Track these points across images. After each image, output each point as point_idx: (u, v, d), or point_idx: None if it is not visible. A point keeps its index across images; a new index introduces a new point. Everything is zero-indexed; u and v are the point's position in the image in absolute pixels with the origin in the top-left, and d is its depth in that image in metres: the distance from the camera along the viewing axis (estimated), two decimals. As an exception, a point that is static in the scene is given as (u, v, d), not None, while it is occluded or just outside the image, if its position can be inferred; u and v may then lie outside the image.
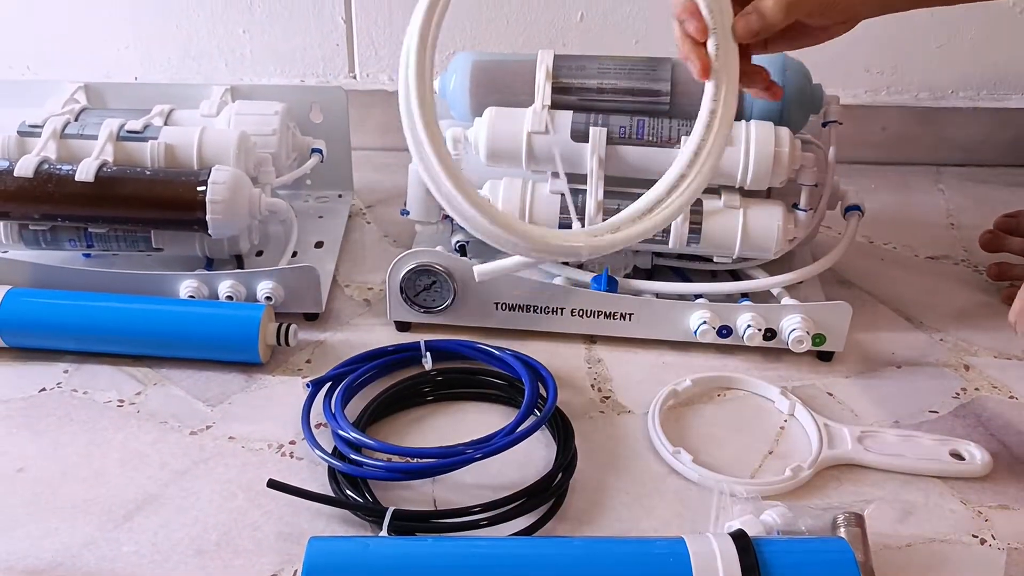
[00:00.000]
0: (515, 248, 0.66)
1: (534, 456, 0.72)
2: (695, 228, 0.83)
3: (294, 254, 0.93)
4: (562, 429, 0.73)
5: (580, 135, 0.82)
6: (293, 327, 0.81)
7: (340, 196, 1.05)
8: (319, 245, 0.96)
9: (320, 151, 0.97)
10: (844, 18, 0.68)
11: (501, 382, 0.79)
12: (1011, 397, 0.81)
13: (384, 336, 0.85)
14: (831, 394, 0.81)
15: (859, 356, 0.85)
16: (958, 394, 0.81)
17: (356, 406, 0.76)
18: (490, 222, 0.64)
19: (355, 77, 1.16)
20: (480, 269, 0.73)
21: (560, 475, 0.69)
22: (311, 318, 0.87)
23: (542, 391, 0.76)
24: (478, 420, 0.76)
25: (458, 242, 0.92)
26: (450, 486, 0.70)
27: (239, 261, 0.90)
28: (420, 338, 0.82)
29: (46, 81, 0.99)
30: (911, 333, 0.89)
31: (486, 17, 1.11)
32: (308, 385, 0.77)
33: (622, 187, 0.83)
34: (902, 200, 1.12)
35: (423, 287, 0.83)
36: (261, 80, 1.15)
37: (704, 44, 0.65)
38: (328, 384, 0.77)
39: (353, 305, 0.90)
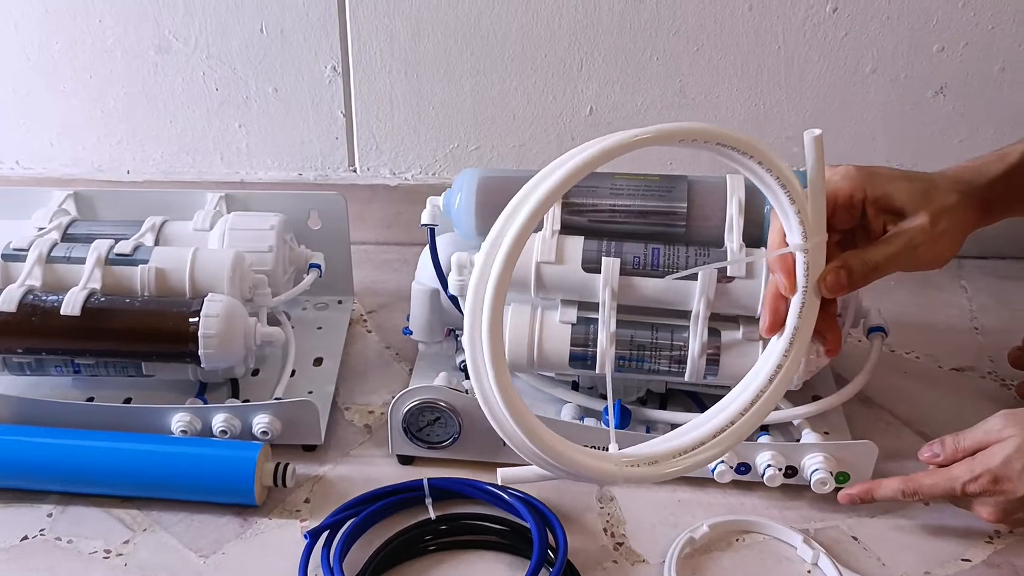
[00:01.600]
0: (544, 464, 0.62)
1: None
2: (713, 360, 0.79)
3: (292, 373, 0.89)
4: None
5: (592, 265, 0.78)
6: (291, 467, 0.77)
7: (340, 302, 1.01)
8: (318, 362, 0.92)
9: (319, 266, 0.93)
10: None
11: (506, 528, 0.74)
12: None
13: (386, 471, 0.81)
14: (856, 538, 0.76)
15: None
16: (991, 538, 0.77)
17: (357, 556, 0.72)
18: (529, 440, 0.61)
19: (355, 170, 1.12)
20: (504, 474, 0.68)
21: (573, 644, 0.66)
22: (309, 448, 0.83)
23: (551, 539, 0.72)
24: (485, 574, 0.72)
25: (463, 363, 0.88)
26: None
27: (234, 385, 0.87)
28: (424, 473, 0.78)
29: (33, 190, 0.95)
30: (937, 461, 0.85)
31: (491, 114, 1.07)
32: (306, 536, 0.73)
33: (636, 316, 0.79)
34: (923, 299, 1.08)
35: (426, 423, 0.79)
36: (258, 173, 1.12)
37: (785, 299, 0.64)
38: (327, 531, 0.73)
39: (354, 432, 0.86)
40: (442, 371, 0.85)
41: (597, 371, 0.79)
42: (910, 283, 1.10)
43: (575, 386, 0.86)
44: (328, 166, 1.12)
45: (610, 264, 0.77)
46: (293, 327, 0.92)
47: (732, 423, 0.65)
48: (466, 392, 0.79)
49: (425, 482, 0.77)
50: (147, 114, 1.08)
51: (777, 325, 0.65)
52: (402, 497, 0.77)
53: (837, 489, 0.79)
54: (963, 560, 0.75)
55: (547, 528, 0.73)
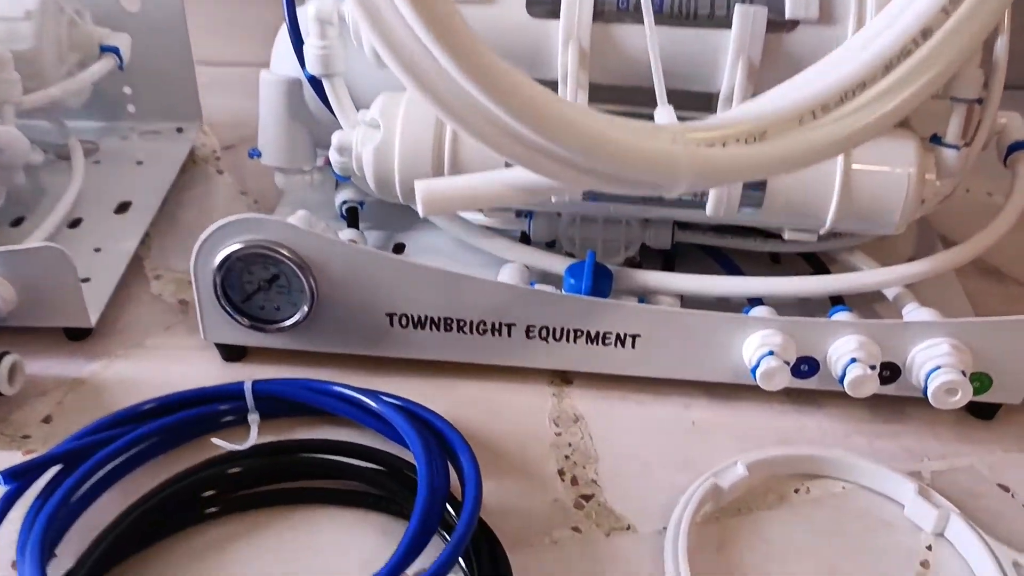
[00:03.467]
0: (519, 158, 0.34)
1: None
2: (755, 183, 0.45)
3: (75, 224, 0.55)
4: (489, 568, 0.36)
5: (544, 5, 0.44)
6: (15, 362, 0.44)
7: (180, 131, 0.67)
8: (122, 209, 0.58)
9: (116, 51, 0.59)
10: None
11: (378, 468, 0.41)
12: None
13: (198, 370, 0.48)
14: (1007, 488, 0.43)
15: (1041, 410, 0.48)
16: None
17: (99, 518, 0.39)
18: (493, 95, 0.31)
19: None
20: (427, 190, 0.35)
21: None
22: (76, 335, 0.50)
23: (455, 485, 0.39)
24: (329, 550, 0.39)
25: (345, 203, 0.55)
26: None
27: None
28: (259, 373, 0.45)
29: None
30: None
31: None
32: (3, 480, 0.39)
33: (625, 104, 0.45)
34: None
35: (258, 286, 0.46)
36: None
37: None
38: (51, 470, 0.40)
39: (161, 311, 0.53)
40: (303, 210, 0.51)
41: (555, 197, 0.46)
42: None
43: (525, 239, 0.53)
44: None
45: (575, 2, 0.43)
46: (95, 159, 0.58)
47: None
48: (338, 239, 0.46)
49: (247, 387, 0.44)
50: None
51: None
52: (202, 413, 0.44)
53: (972, 405, 0.46)
54: None
55: (447, 465, 0.40)
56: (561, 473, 0.43)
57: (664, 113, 0.36)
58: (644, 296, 0.48)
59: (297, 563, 0.38)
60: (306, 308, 0.46)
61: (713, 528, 0.41)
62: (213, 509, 0.40)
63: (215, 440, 0.42)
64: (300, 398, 0.44)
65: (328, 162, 0.52)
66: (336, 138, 0.48)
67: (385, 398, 0.42)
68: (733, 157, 0.33)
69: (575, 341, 0.46)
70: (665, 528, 0.40)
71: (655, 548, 0.40)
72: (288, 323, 0.46)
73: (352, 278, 0.45)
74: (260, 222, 0.45)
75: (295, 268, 0.45)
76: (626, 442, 0.45)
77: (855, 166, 0.44)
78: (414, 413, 0.42)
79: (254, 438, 0.43)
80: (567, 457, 0.44)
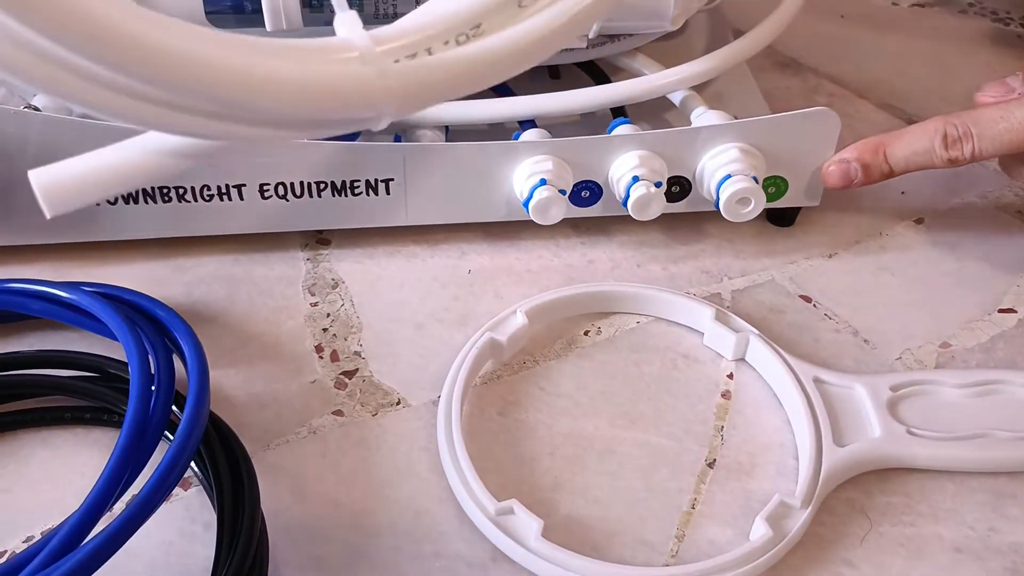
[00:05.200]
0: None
1: (169, 558, 0.30)
2: (505, -20, 0.38)
3: None
4: (229, 478, 0.31)
5: None
6: None
7: None
8: None
9: None
10: None
11: (88, 375, 0.35)
12: None
13: None
14: (808, 299, 0.40)
15: (842, 211, 0.44)
16: (1046, 265, 0.42)
17: None
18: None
19: None
20: (42, 177, 0.26)
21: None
22: None
23: (182, 379, 0.33)
24: (44, 481, 0.33)
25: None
26: None
27: None
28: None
29: None
30: (922, 148, 0.48)
31: None
32: None
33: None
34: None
35: (-87, 174, 0.37)
36: None
37: None
38: None
39: None
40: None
41: (269, 25, 0.37)
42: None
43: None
44: None
45: None
46: None
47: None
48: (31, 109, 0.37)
49: (-82, 299, 0.36)
50: None
51: None
52: None
53: (771, 213, 0.42)
54: (1002, 311, 0.40)
55: (171, 358, 0.33)
56: (319, 349, 0.37)
57: (346, 21, 0.25)
58: (401, 133, 0.42)
59: (9, 501, 0.32)
60: (-15, 195, 0.37)
61: (495, 388, 0.36)
62: None
63: None
64: (-19, 304, 0.36)
65: None
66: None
67: (86, 288, 0.35)
68: (445, 66, 0.24)
69: (319, 195, 0.39)
70: (437, 398, 0.35)
71: (430, 422, 0.35)
72: (-34, 215, 0.38)
73: (43, 151, 0.37)
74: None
75: (-42, 147, 0.36)
76: (394, 304, 0.39)
77: (619, -47, 0.38)
78: (121, 299, 0.35)
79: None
80: (325, 330, 0.38)
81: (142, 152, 0.25)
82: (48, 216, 0.24)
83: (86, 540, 0.26)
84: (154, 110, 0.21)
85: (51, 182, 0.24)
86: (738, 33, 0.51)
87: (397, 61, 0.22)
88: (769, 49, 0.50)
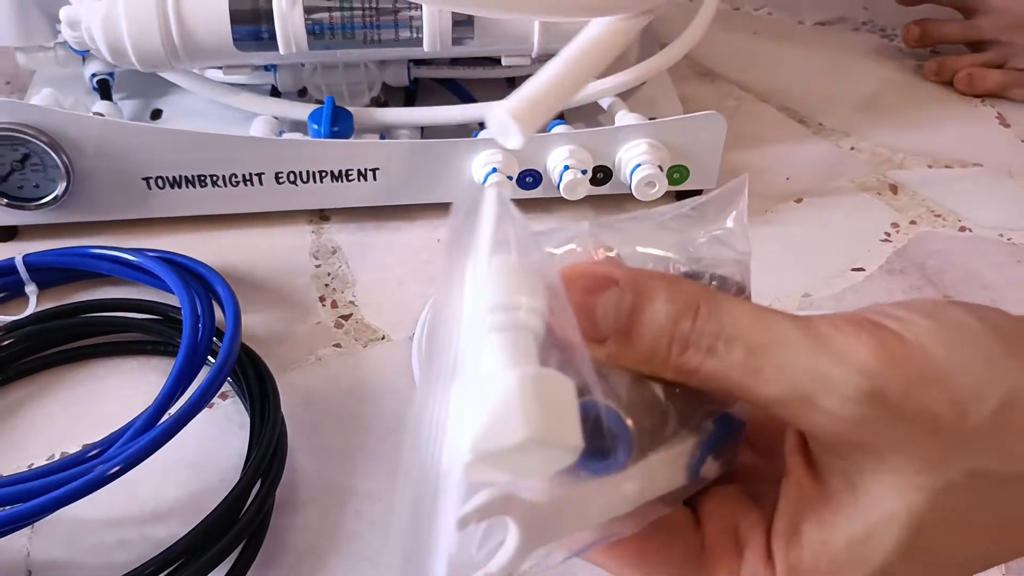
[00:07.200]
0: None
1: (214, 447, 0.41)
2: (463, 18, 0.49)
3: None
4: (258, 391, 0.42)
5: None
6: None
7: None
8: None
9: None
10: None
11: (152, 316, 0.46)
12: (962, 229, 0.53)
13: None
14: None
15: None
16: (888, 234, 0.53)
17: None
18: None
19: None
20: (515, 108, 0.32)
21: (258, 488, 0.38)
22: None
23: (222, 322, 0.44)
24: (114, 396, 0.44)
25: (95, 76, 0.56)
26: (58, 534, 0.38)
27: None
28: (23, 250, 0.48)
29: None
30: (809, 143, 0.59)
31: None
32: None
33: None
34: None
35: (11, 168, 0.48)
36: None
37: None
38: None
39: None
40: (48, 88, 0.53)
41: (282, 49, 0.49)
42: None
43: (275, 93, 0.56)
44: None
45: None
46: None
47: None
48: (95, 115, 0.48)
49: (18, 260, 0.47)
50: None
51: None
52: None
53: (678, 195, 0.53)
54: (855, 269, 0.51)
55: (212, 304, 0.44)
56: (322, 299, 0.48)
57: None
58: (386, 132, 0.53)
59: (87, 414, 0.43)
60: (64, 184, 0.48)
61: (457, 328, 0.47)
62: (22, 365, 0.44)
63: (30, 294, 0.46)
64: (72, 264, 0.47)
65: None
66: (64, 13, 0.50)
67: (148, 253, 0.46)
68: None
69: (321, 181, 0.50)
70: (412, 336, 0.46)
71: (406, 352, 0.46)
72: (48, 199, 0.49)
73: (105, 149, 0.48)
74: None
75: (44, 147, 0.47)
76: (380, 266, 0.50)
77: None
78: (174, 261, 0.46)
79: (32, 307, 0.46)
80: (327, 285, 0.49)
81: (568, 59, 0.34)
82: (519, 145, 0.31)
83: (157, 424, 0.37)
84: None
85: (518, 109, 0.31)
86: (664, 47, 0.62)
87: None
88: (690, 60, 0.62)
